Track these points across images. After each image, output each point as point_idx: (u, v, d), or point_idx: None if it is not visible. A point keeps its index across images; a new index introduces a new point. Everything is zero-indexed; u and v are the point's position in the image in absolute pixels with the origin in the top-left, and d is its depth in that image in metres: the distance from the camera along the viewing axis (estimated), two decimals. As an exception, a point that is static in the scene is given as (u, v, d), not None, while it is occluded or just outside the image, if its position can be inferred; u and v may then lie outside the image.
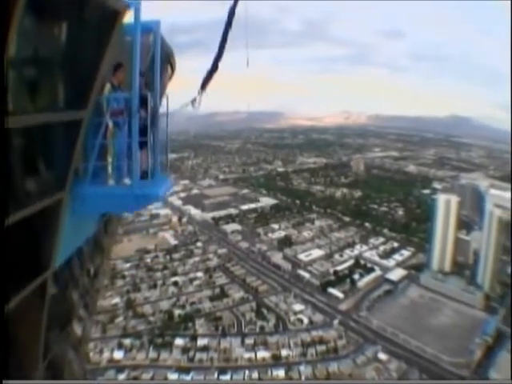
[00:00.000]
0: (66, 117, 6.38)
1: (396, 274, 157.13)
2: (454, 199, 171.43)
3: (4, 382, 5.76)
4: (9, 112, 5.06)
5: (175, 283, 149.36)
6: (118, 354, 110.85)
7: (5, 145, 5.18)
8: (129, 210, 11.58)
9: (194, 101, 9.40)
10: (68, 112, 6.39)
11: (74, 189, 7.17)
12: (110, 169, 7.99)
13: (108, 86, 7.86)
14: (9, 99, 5.17)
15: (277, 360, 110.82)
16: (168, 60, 10.90)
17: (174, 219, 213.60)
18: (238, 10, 9.25)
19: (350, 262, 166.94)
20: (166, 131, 9.42)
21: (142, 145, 8.05)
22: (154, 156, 8.83)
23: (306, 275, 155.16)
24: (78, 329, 11.83)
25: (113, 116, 7.85)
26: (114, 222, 13.66)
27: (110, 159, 7.96)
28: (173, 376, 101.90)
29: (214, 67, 9.25)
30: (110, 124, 7.81)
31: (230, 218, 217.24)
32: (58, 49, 6.26)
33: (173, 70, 11.99)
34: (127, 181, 7.98)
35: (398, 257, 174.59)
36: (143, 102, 7.98)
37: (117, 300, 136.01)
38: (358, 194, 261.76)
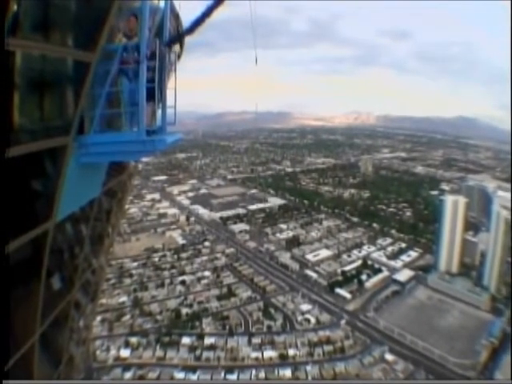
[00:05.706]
0: (74, 55, 6.35)
1: (403, 275, 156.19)
2: (462, 200, 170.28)
3: (4, 382, 5.83)
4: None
5: (183, 282, 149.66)
6: (125, 352, 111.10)
7: (10, 81, 5.25)
8: (135, 157, 11.67)
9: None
10: (77, 51, 6.36)
11: (80, 137, 7.18)
12: (123, 117, 8.08)
13: (120, 37, 7.96)
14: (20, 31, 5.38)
15: (284, 359, 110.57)
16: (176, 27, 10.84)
17: (182, 218, 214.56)
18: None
19: (358, 263, 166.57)
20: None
21: (150, 98, 7.93)
22: (163, 110, 8.81)
23: (314, 275, 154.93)
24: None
25: (122, 65, 7.80)
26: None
27: (121, 107, 7.98)
28: (179, 375, 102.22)
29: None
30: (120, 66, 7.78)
31: (237, 218, 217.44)
32: None
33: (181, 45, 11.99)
34: (134, 129, 7.91)
35: (405, 258, 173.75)
36: (152, 55, 7.91)
37: (124, 298, 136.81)
38: (366, 194, 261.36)
